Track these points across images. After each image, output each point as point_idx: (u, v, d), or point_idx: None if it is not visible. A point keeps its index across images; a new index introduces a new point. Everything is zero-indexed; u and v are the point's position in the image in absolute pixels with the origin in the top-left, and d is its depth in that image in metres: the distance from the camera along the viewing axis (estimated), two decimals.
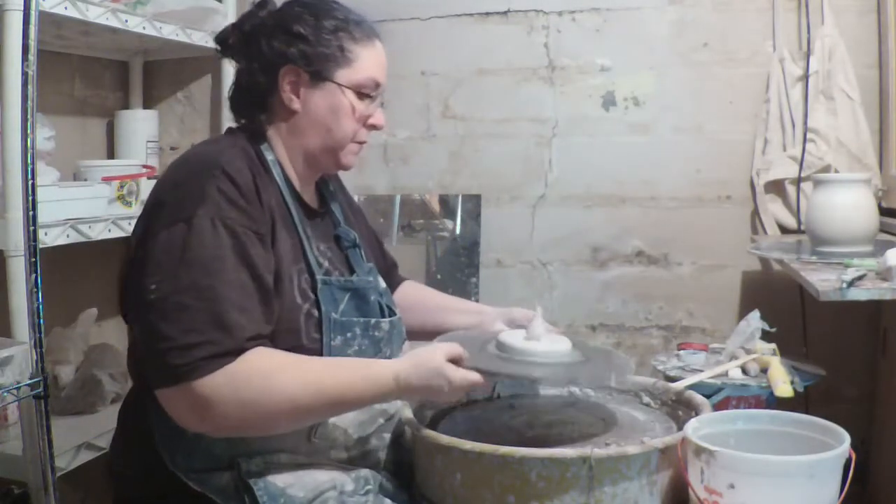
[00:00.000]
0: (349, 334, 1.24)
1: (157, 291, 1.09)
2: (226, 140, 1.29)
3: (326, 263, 1.29)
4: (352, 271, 1.35)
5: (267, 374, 1.09)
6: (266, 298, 1.14)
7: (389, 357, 1.30)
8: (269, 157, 1.28)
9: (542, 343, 1.24)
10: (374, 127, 1.32)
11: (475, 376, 1.14)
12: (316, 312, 1.22)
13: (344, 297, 1.27)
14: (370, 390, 1.13)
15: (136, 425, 1.21)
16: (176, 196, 1.15)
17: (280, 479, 1.16)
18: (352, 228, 1.42)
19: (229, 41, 1.32)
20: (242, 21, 1.31)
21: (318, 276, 1.25)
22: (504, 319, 1.45)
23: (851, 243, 1.72)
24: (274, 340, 1.15)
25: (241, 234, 1.13)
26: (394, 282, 1.58)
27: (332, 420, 1.23)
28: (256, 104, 1.29)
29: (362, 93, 1.28)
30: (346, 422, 1.24)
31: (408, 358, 1.16)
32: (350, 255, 1.37)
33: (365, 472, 1.23)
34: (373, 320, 1.29)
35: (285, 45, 1.25)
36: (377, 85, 1.30)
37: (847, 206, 1.72)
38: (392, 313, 1.36)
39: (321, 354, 1.21)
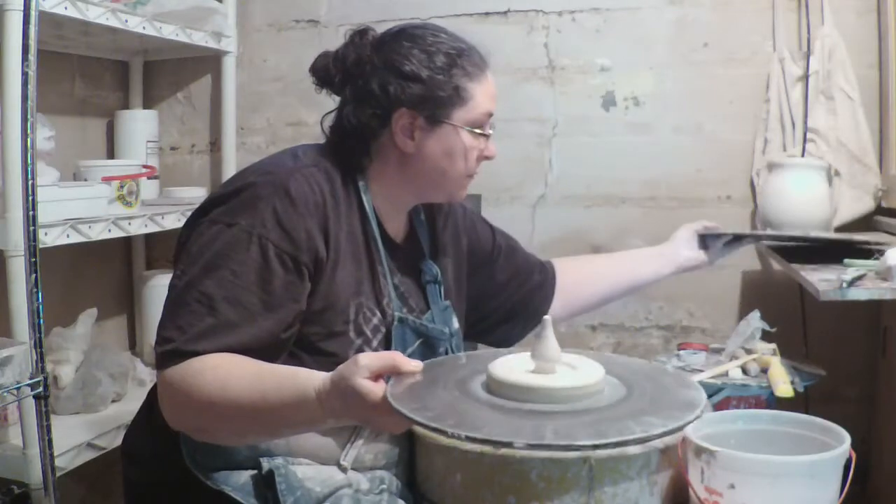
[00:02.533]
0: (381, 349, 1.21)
1: (177, 279, 1.12)
2: (312, 157, 1.23)
3: (397, 299, 1.25)
4: (427, 307, 1.32)
5: (196, 377, 1.06)
6: (271, 326, 1.11)
7: None
8: (361, 184, 1.24)
9: (561, 376, 0.93)
10: (486, 158, 1.29)
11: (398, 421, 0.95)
12: (373, 349, 1.18)
13: (415, 342, 1.25)
14: (295, 403, 1.02)
15: (159, 414, 1.21)
16: (234, 198, 1.15)
17: (299, 471, 1.16)
18: (437, 262, 1.37)
19: (333, 77, 1.26)
20: (346, 54, 1.24)
21: (396, 314, 1.22)
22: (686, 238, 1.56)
23: (802, 228, 1.68)
24: (314, 366, 1.10)
25: (272, 256, 1.10)
26: (547, 278, 1.56)
27: (365, 446, 1.21)
28: (362, 144, 1.25)
29: (477, 130, 1.25)
30: (378, 447, 1.23)
31: (334, 379, 1.00)
32: (428, 290, 1.34)
33: (380, 472, 1.23)
34: None
35: (400, 88, 1.20)
36: (490, 116, 1.27)
37: (799, 191, 1.69)
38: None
39: None
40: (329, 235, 1.16)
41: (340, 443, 1.21)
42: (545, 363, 0.92)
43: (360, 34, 1.26)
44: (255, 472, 1.16)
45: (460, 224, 1.49)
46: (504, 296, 1.54)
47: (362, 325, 1.20)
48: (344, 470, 1.20)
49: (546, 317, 1.02)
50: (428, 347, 1.28)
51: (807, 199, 1.67)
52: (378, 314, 1.22)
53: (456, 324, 1.37)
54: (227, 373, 1.05)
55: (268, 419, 1.05)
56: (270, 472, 1.12)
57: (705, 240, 1.64)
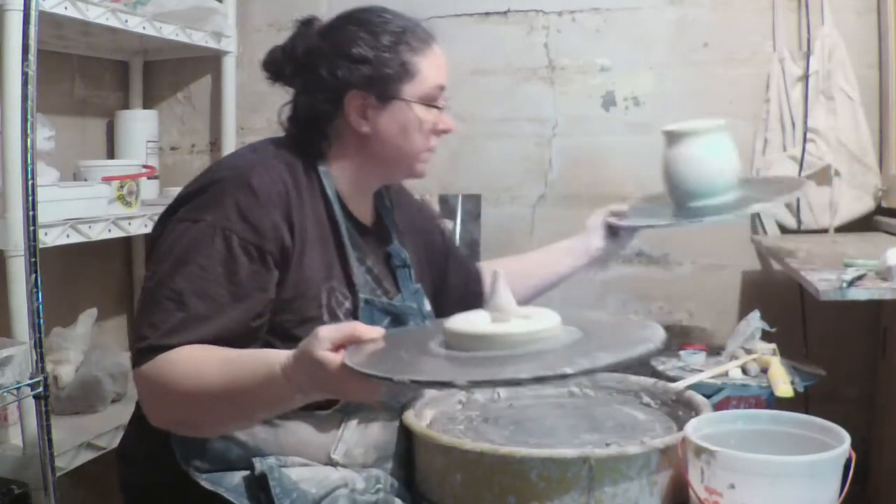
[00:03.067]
0: None
1: (148, 279, 1.14)
2: (272, 150, 1.26)
3: (371, 281, 1.28)
4: (398, 291, 1.33)
5: (170, 369, 1.07)
6: (241, 315, 1.12)
7: None
8: (322, 169, 1.26)
9: (514, 324, 0.91)
10: (443, 132, 1.30)
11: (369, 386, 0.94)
12: None
13: (383, 321, 1.26)
14: (265, 382, 1.02)
15: None
16: (198, 196, 1.17)
17: (294, 473, 1.16)
18: (405, 247, 1.39)
19: (284, 70, 1.28)
20: (294, 46, 1.27)
21: (362, 296, 1.23)
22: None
23: (712, 194, 1.49)
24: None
25: (236, 248, 1.12)
26: (479, 287, 1.56)
27: (354, 439, 1.22)
28: (318, 130, 1.27)
29: (429, 103, 1.26)
30: (368, 440, 1.24)
31: (296, 354, 1.00)
32: (398, 275, 1.35)
33: (376, 471, 1.23)
34: None
35: (348, 71, 1.22)
36: (442, 89, 1.28)
37: (701, 155, 1.50)
38: None
39: None
40: (294, 224, 1.18)
41: (329, 438, 1.21)
42: (500, 314, 0.92)
43: (307, 24, 1.29)
44: (248, 472, 1.16)
45: (420, 218, 1.52)
46: (452, 298, 1.52)
47: (335, 309, 1.21)
48: (335, 465, 1.21)
49: (498, 269, 1.00)
50: (400, 324, 1.29)
51: (719, 164, 1.51)
52: (350, 297, 1.23)
53: (428, 305, 1.39)
54: (200, 361, 1.06)
55: (241, 401, 1.05)
56: (264, 475, 1.13)
57: (612, 227, 1.62)
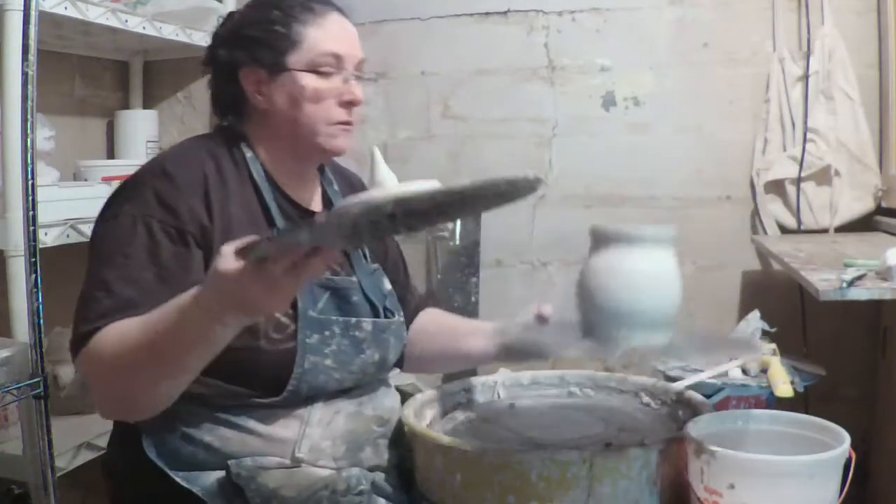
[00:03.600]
0: (327, 332, 1.22)
1: (84, 282, 1.16)
2: (192, 141, 1.30)
3: None
4: (353, 272, 1.33)
5: (98, 346, 1.08)
6: (168, 297, 1.08)
7: (373, 359, 1.28)
8: (248, 155, 1.27)
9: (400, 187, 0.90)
10: (350, 104, 1.25)
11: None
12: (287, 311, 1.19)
13: (323, 296, 1.25)
14: (181, 320, 1.00)
15: (127, 424, 1.22)
16: (120, 193, 1.20)
17: (272, 480, 1.15)
18: None
19: (209, 66, 1.33)
20: (211, 43, 1.32)
21: None
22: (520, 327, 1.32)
23: (643, 327, 1.05)
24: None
25: (157, 231, 1.13)
26: (415, 303, 1.51)
27: (318, 433, 1.21)
28: (232, 111, 1.30)
29: (322, 71, 1.23)
30: (335, 433, 1.23)
31: (207, 277, 0.99)
32: (352, 257, 1.34)
33: (356, 471, 1.23)
34: (353, 319, 1.26)
35: (240, 49, 1.25)
36: (337, 58, 1.23)
37: (643, 273, 1.05)
38: (389, 314, 1.34)
39: (282, 356, 1.17)
40: (213, 209, 1.18)
41: (292, 435, 1.20)
42: (382, 188, 0.96)
43: (222, 20, 1.33)
44: (222, 474, 1.16)
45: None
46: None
47: None
48: (299, 463, 1.20)
49: (374, 147, 0.99)
50: (341, 298, 1.27)
51: (664, 289, 1.07)
52: None
53: (388, 285, 1.38)
54: (123, 328, 1.07)
55: (164, 350, 1.03)
56: (239, 486, 1.13)
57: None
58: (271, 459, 1.18)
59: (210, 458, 1.17)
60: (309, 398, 1.21)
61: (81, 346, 1.10)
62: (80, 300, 1.15)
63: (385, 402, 1.33)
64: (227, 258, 0.94)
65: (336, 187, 1.40)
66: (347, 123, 1.26)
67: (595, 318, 1.08)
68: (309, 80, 1.22)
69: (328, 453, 1.22)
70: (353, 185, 1.46)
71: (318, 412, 1.22)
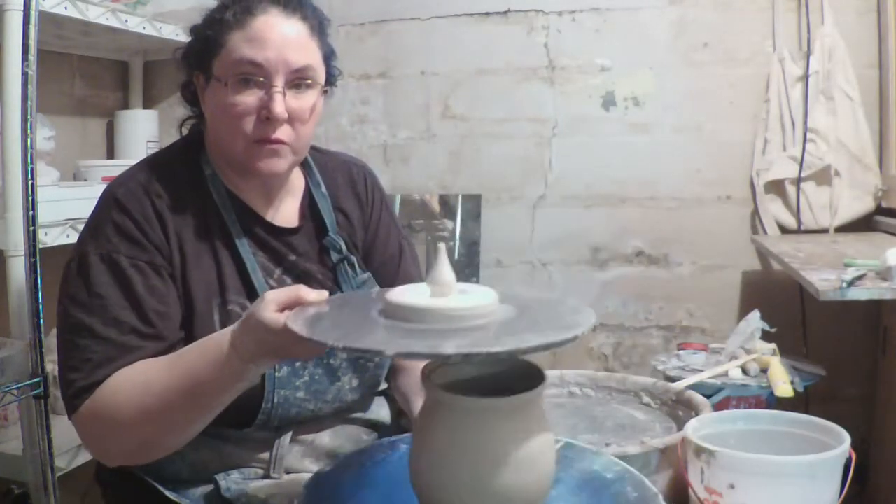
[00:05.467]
0: (297, 363, 1.14)
1: (58, 324, 1.10)
2: (147, 162, 1.19)
3: (291, 283, 1.18)
4: (338, 288, 1.24)
5: (115, 396, 1.03)
6: (156, 332, 1.09)
7: (351, 386, 1.22)
8: (208, 172, 1.17)
9: (452, 299, 0.90)
10: (267, 118, 1.09)
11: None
12: None
13: None
14: (217, 361, 0.98)
15: None
16: (84, 228, 1.14)
17: (262, 490, 1.13)
18: (343, 231, 1.27)
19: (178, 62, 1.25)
20: None
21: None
22: None
23: None
24: None
25: (126, 267, 1.08)
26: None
27: (300, 451, 1.18)
28: (197, 116, 1.23)
29: (241, 79, 1.09)
30: (318, 451, 1.20)
31: (243, 319, 0.97)
32: (338, 270, 1.25)
33: None
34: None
35: (186, 57, 1.17)
36: (257, 66, 1.08)
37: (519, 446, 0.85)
38: None
39: (251, 391, 1.07)
40: (169, 237, 1.12)
41: (268, 457, 1.17)
42: (440, 288, 0.91)
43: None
44: (210, 488, 1.14)
45: (373, 212, 1.35)
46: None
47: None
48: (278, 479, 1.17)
49: (440, 244, 0.95)
50: None
51: (542, 470, 0.88)
52: (246, 305, 1.14)
53: None
54: (143, 376, 1.03)
55: (199, 393, 1.00)
56: (229, 500, 1.11)
57: None
58: (258, 471, 1.17)
59: (194, 476, 1.16)
60: (280, 428, 1.18)
61: (83, 400, 1.05)
62: (64, 348, 1.08)
63: (376, 409, 1.30)
64: (269, 307, 0.92)
65: (324, 189, 1.28)
66: (270, 142, 1.10)
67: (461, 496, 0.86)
68: (231, 89, 1.09)
69: (315, 469, 1.20)
70: (354, 181, 1.33)
71: (290, 438, 1.18)
